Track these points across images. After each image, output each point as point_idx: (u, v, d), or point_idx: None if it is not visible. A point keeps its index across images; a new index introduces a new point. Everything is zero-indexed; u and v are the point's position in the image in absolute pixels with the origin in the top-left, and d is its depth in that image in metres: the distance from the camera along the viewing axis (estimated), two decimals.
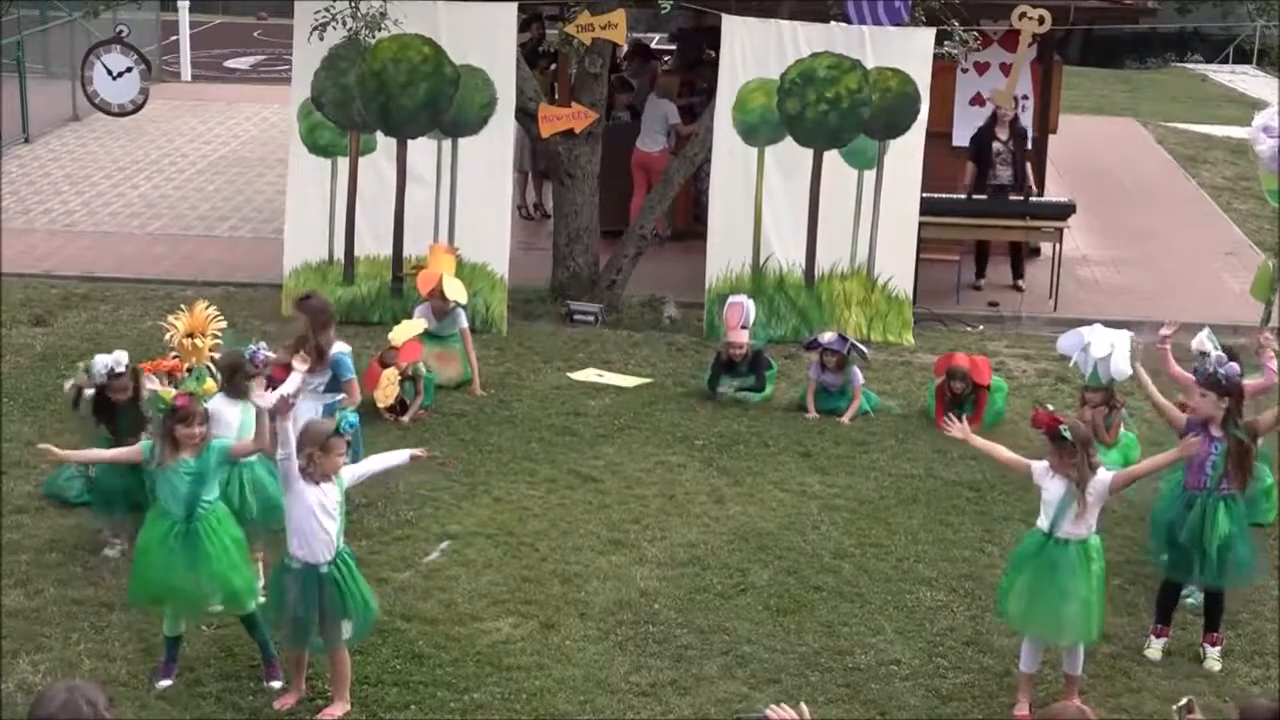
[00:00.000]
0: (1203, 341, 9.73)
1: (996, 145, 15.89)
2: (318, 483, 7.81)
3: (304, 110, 14.53)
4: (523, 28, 17.56)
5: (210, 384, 8.43)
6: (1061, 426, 8.09)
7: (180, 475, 8.10)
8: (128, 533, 9.61)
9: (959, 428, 8.50)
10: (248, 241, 17.27)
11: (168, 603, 8.26)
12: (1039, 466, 8.27)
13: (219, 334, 10.11)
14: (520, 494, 10.90)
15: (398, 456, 8.51)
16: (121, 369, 9.59)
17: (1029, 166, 16.12)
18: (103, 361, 9.62)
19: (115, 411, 9.65)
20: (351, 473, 8.09)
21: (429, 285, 12.88)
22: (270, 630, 8.26)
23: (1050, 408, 8.60)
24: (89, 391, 9.73)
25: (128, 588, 8.58)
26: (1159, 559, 9.17)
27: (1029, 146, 16.18)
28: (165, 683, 8.23)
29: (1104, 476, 8.19)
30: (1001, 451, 8.58)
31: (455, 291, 12.90)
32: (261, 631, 8.29)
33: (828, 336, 12.85)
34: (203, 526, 8.13)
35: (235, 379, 9.08)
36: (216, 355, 10.18)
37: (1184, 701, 6.34)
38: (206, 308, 9.97)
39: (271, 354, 10.11)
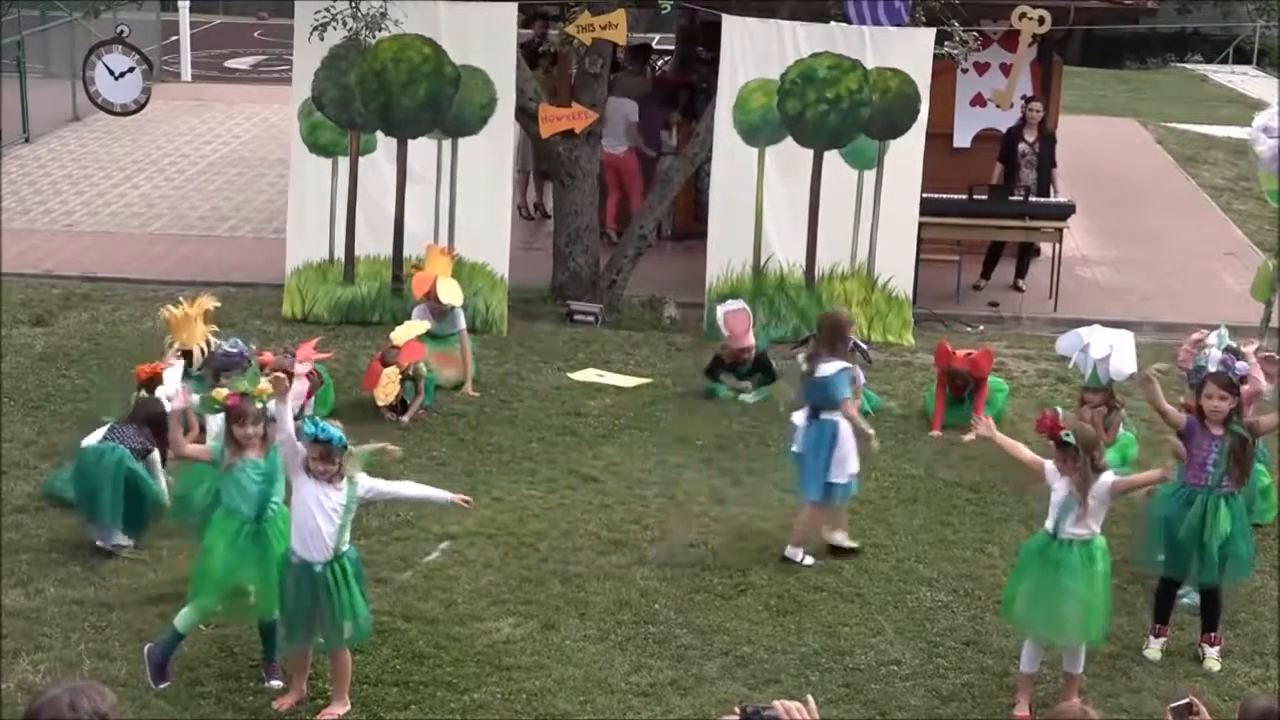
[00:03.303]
0: (1214, 338, 9.75)
1: (1022, 147, 15.91)
2: (324, 481, 7.82)
3: (304, 110, 14.54)
4: (526, 24, 17.55)
5: (265, 384, 8.37)
6: (1064, 432, 8.11)
7: (249, 476, 8.10)
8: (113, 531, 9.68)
9: (985, 424, 8.60)
10: (248, 241, 17.27)
11: (228, 604, 8.27)
12: (1050, 467, 8.31)
13: (211, 314, 10.19)
14: (520, 494, 10.90)
15: (439, 496, 8.43)
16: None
17: (1055, 171, 16.15)
18: (165, 390, 9.69)
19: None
20: (374, 486, 7.98)
21: (424, 287, 12.87)
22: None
23: (1059, 409, 8.62)
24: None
25: (190, 590, 8.41)
26: (1154, 558, 9.18)
27: (1055, 149, 16.23)
28: (163, 684, 8.22)
29: (1106, 480, 8.21)
30: (1022, 450, 8.61)
31: (450, 294, 12.87)
32: (274, 635, 8.27)
33: None
34: (272, 528, 8.15)
35: (221, 380, 9.14)
36: (211, 341, 10.27)
37: (1184, 701, 6.29)
38: (210, 299, 10.09)
39: (235, 348, 10.18)
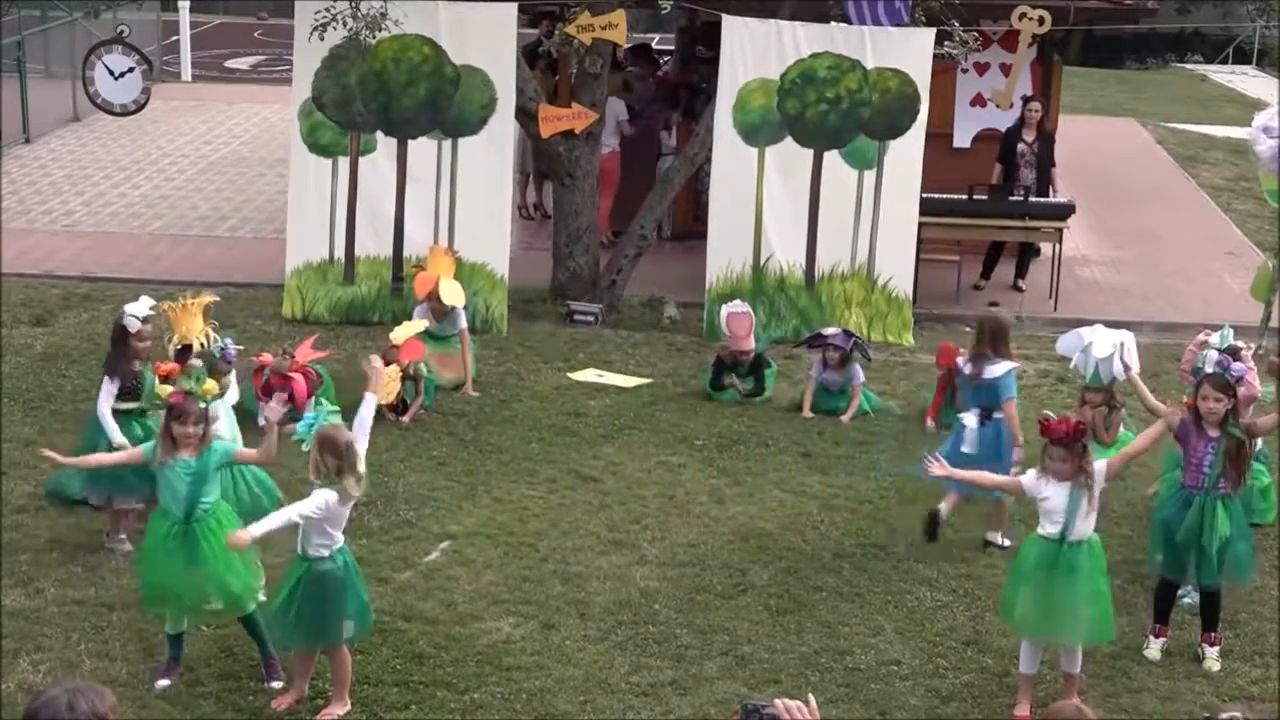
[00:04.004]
0: (1217, 338, 9.75)
1: (1021, 147, 15.92)
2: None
3: (305, 110, 14.54)
4: (532, 24, 17.54)
5: (211, 384, 8.40)
6: (1085, 433, 8.20)
7: (179, 475, 8.09)
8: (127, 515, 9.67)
9: (939, 466, 8.59)
10: (248, 241, 17.28)
11: (168, 604, 8.27)
12: (1028, 481, 8.30)
13: (210, 310, 10.22)
14: (520, 494, 10.90)
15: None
16: (151, 314, 9.78)
17: (1054, 170, 16.16)
18: (134, 309, 9.72)
19: (137, 373, 9.71)
20: (301, 506, 7.87)
21: (426, 288, 12.88)
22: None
23: (1049, 415, 8.60)
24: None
25: (139, 589, 8.56)
26: (1153, 558, 9.20)
27: (1054, 149, 16.25)
28: (164, 682, 8.23)
29: (1100, 466, 8.26)
30: (988, 477, 8.77)
31: (452, 295, 12.88)
32: (260, 632, 8.29)
33: (831, 331, 12.86)
34: (201, 528, 8.12)
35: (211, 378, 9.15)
36: (210, 336, 10.26)
37: (1225, 717, 6.09)
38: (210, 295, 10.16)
39: (239, 348, 10.18)
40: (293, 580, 7.91)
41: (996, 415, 10.08)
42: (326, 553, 7.89)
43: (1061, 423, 8.20)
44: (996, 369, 10.06)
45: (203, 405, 8.18)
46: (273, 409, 8.21)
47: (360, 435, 8.00)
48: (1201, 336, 9.89)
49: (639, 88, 18.29)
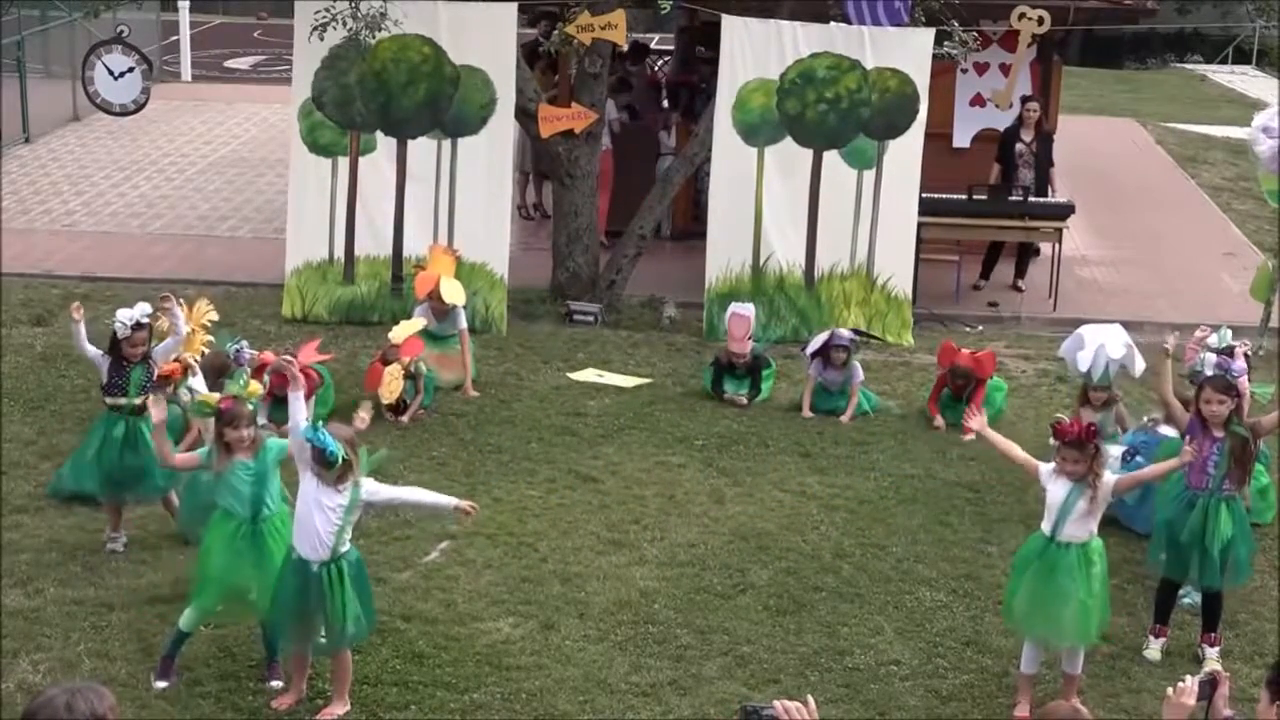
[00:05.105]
0: (1215, 339, 9.77)
1: (1019, 147, 15.92)
2: (326, 481, 7.82)
3: (304, 110, 14.54)
4: (533, 23, 17.54)
5: (255, 386, 8.39)
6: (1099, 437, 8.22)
7: (241, 478, 8.11)
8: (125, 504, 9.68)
9: (977, 420, 8.56)
10: (248, 241, 17.28)
11: (228, 605, 8.26)
12: (1045, 469, 8.30)
13: (210, 327, 10.20)
14: (520, 494, 10.90)
15: (442, 502, 8.27)
16: (145, 321, 9.70)
17: (1053, 170, 16.16)
18: (125, 314, 9.69)
19: (125, 369, 9.70)
20: (377, 491, 7.91)
21: (427, 287, 12.89)
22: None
23: (1061, 417, 8.61)
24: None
25: (191, 591, 8.42)
26: (1156, 558, 9.20)
27: (1052, 148, 16.25)
28: (163, 683, 8.20)
29: (1109, 479, 8.23)
30: (1016, 449, 8.61)
31: (453, 294, 12.89)
32: (278, 635, 8.26)
33: (844, 332, 12.82)
34: (268, 528, 8.16)
35: (221, 379, 9.15)
36: (205, 352, 10.26)
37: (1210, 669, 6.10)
38: (207, 304, 10.08)
39: (253, 352, 10.18)
40: (343, 581, 7.83)
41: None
42: (350, 543, 7.94)
43: (1073, 424, 8.23)
44: (1170, 430, 10.10)
45: (250, 407, 8.19)
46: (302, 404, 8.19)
47: (295, 435, 7.98)
48: (1200, 333, 9.89)
49: (638, 85, 18.30)
